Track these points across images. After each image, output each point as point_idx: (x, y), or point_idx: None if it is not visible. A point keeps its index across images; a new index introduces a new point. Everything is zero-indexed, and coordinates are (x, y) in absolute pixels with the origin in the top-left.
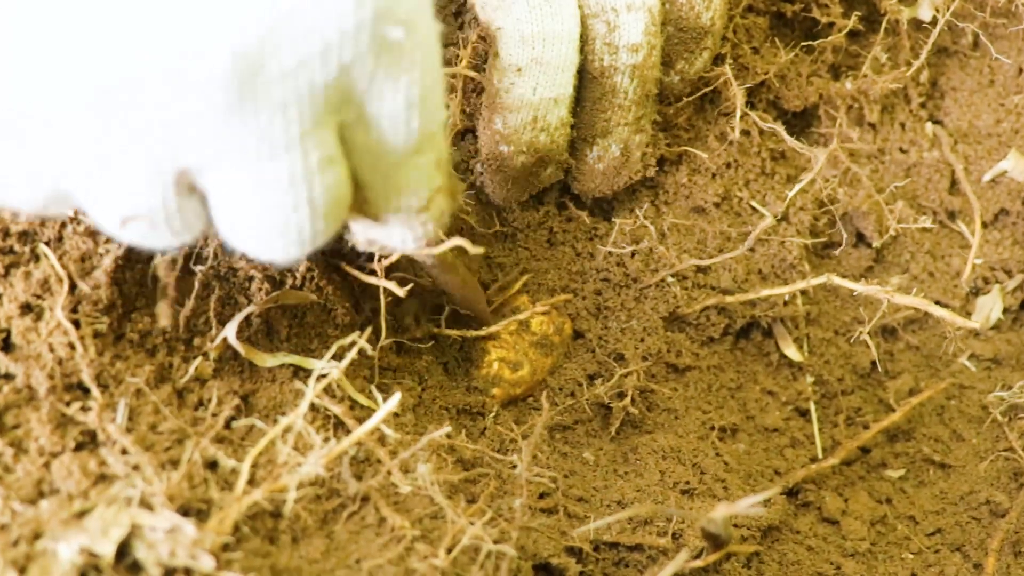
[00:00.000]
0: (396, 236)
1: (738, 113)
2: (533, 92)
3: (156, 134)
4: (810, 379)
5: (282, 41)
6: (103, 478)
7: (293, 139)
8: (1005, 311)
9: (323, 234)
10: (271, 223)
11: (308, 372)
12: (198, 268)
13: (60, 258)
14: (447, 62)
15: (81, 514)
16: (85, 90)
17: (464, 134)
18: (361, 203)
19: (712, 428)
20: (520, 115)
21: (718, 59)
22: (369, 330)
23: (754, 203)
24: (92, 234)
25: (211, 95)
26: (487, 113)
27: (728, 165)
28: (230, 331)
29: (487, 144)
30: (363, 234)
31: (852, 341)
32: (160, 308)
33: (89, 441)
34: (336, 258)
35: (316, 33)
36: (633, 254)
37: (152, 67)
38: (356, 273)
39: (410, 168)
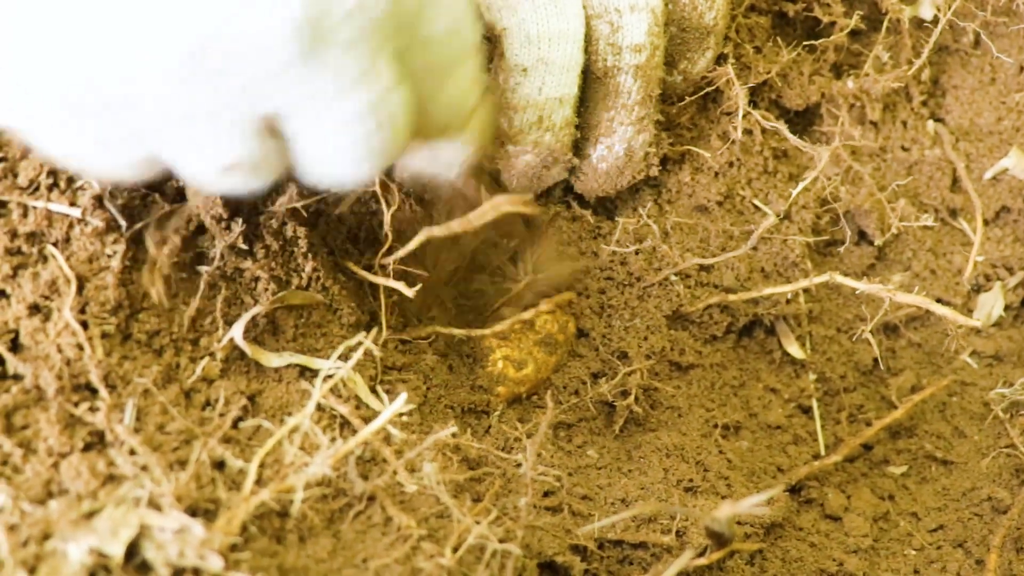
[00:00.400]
0: (443, 158)
1: (740, 112)
2: (539, 92)
3: (241, 88)
4: (812, 376)
5: None
6: (112, 478)
7: (364, 71)
8: (1006, 308)
9: (400, 149)
10: (358, 149)
11: (314, 372)
12: (204, 269)
13: (68, 259)
14: None
15: (90, 514)
16: (169, 54)
17: None
18: (415, 125)
19: (715, 426)
20: (525, 115)
21: (721, 59)
22: (375, 330)
23: (757, 202)
24: (99, 235)
25: (286, 45)
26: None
27: (731, 164)
28: (237, 331)
29: (492, 143)
30: (412, 164)
31: (854, 339)
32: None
33: (97, 441)
34: (342, 258)
35: None
36: (636, 253)
37: (229, 26)
38: (362, 273)
39: (454, 81)
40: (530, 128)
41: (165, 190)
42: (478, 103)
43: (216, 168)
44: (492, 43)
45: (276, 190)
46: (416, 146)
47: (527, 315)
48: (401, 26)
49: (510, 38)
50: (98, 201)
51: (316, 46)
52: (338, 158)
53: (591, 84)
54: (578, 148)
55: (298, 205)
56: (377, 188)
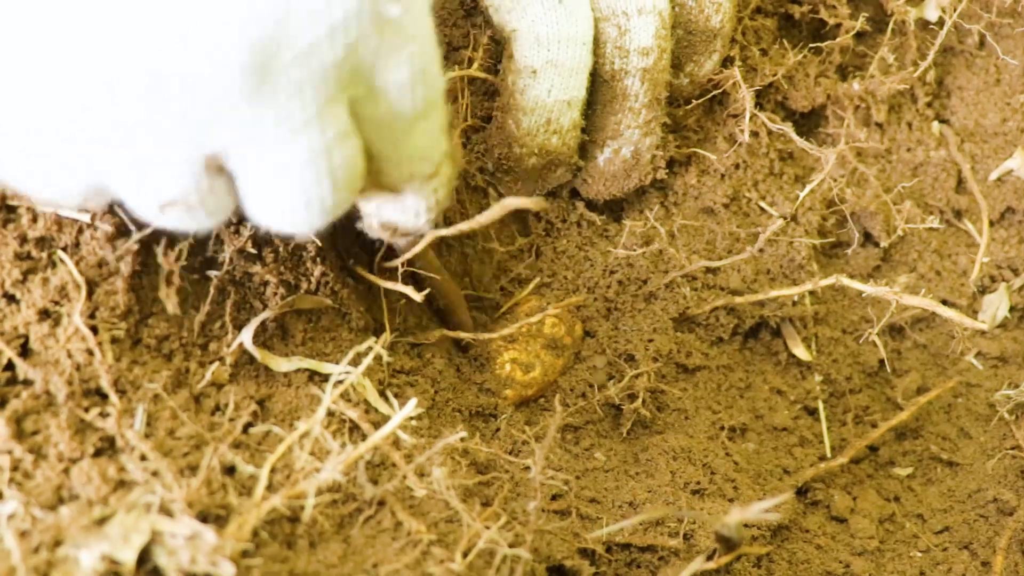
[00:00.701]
0: (410, 208)
1: (747, 114)
2: (548, 94)
3: (184, 124)
4: (818, 378)
5: (292, 28)
6: (122, 484)
7: (310, 117)
8: (1012, 309)
9: (344, 203)
10: (295, 197)
11: (324, 377)
12: (213, 273)
13: (77, 264)
14: (458, 64)
15: (101, 520)
16: (113, 88)
17: (469, 132)
18: (376, 175)
19: (722, 428)
20: (534, 117)
21: (727, 61)
22: (385, 335)
23: (763, 203)
24: (109, 240)
25: (232, 84)
26: (500, 115)
27: (737, 166)
28: (246, 336)
29: (499, 145)
30: (377, 216)
31: (860, 340)
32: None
33: (108, 447)
34: (351, 262)
35: (322, 17)
36: (644, 255)
37: (175, 62)
38: (371, 277)
39: (419, 133)
40: (538, 130)
41: None
42: (442, 160)
43: (155, 203)
44: (499, 45)
45: None
46: (381, 196)
47: (534, 318)
48: (356, 73)
49: (519, 40)
50: (108, 206)
51: (262, 87)
52: (278, 205)
53: (598, 87)
54: (584, 151)
55: None
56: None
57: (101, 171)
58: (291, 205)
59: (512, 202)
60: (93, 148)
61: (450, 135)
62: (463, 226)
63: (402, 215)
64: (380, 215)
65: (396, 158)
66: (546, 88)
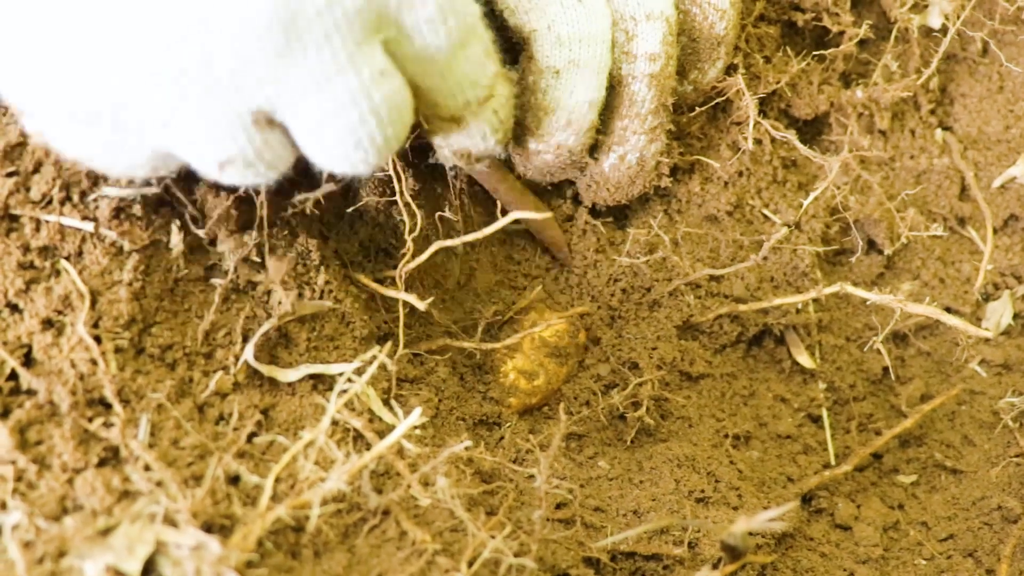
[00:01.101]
0: (476, 133)
1: (750, 122)
2: (570, 95)
3: (225, 84)
4: (822, 386)
5: None
6: (127, 494)
7: (343, 64)
8: (1015, 316)
9: (394, 139)
10: (344, 139)
11: (328, 386)
12: (217, 281)
13: (81, 273)
14: None
15: (106, 531)
16: (157, 62)
17: None
18: (432, 108)
19: (726, 436)
20: (555, 117)
21: (730, 68)
22: (389, 344)
23: (766, 211)
24: (112, 250)
25: (262, 43)
26: (519, 112)
27: (740, 174)
28: (248, 353)
29: (514, 143)
30: (448, 146)
31: (864, 348)
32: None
33: (112, 457)
34: (354, 270)
35: None
36: (647, 263)
37: (207, 28)
38: (373, 286)
39: (461, 62)
40: (557, 130)
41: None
42: (493, 82)
43: (214, 161)
44: (520, 46)
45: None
46: (446, 127)
47: (538, 327)
48: (383, 16)
49: (540, 40)
50: (112, 214)
51: (291, 42)
52: (331, 148)
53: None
54: (591, 156)
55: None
56: (399, 200)
57: (162, 136)
58: (343, 146)
59: (519, 214)
60: (146, 120)
61: (495, 57)
62: (470, 237)
63: (470, 140)
64: (451, 145)
65: (446, 89)
66: (568, 89)
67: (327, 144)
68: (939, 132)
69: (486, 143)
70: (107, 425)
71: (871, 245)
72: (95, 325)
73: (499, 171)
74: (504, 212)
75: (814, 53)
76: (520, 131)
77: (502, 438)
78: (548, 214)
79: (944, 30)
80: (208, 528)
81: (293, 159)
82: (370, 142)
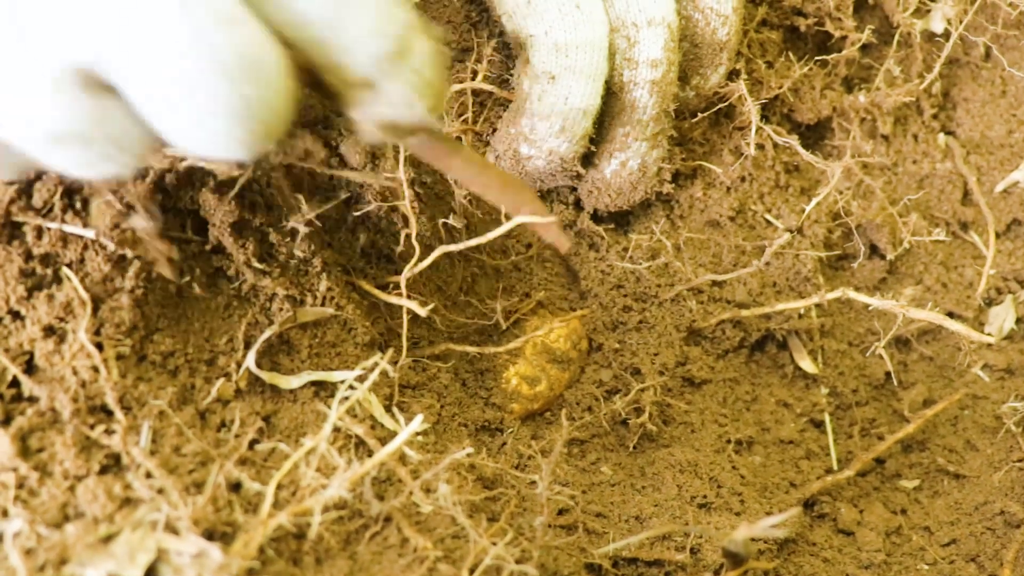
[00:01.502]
0: (396, 98)
1: (753, 127)
2: (565, 101)
3: (36, 33)
4: (825, 391)
5: None
6: (128, 502)
7: (172, 8)
8: (1018, 321)
9: (259, 104)
10: (184, 105)
11: (330, 392)
12: (218, 288)
13: (82, 280)
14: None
15: (107, 538)
16: None
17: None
18: (336, 73)
19: (728, 441)
20: (549, 123)
21: (732, 74)
22: (391, 351)
23: (769, 216)
24: (114, 258)
25: None
26: (513, 116)
27: (743, 179)
28: (251, 360)
29: (505, 141)
30: (367, 119)
31: (867, 353)
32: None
33: (114, 464)
34: (356, 277)
35: None
36: (650, 268)
37: None
38: (375, 292)
39: (353, 6)
40: (550, 135)
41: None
42: (406, 33)
43: (43, 136)
44: (510, 53)
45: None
46: (360, 95)
47: (540, 332)
48: None
49: (536, 46)
50: (113, 223)
51: None
52: (168, 118)
53: (606, 98)
54: (591, 162)
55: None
56: (406, 204)
57: None
58: (185, 115)
59: (522, 218)
60: None
61: (406, 4)
62: (471, 242)
63: (390, 107)
64: (370, 117)
65: (341, 43)
66: (563, 95)
67: (162, 113)
68: (942, 137)
69: (412, 110)
70: (109, 432)
71: (873, 250)
72: (97, 332)
73: (444, 143)
74: (494, 207)
75: (816, 58)
76: (517, 135)
77: (504, 444)
78: (553, 218)
79: (946, 35)
80: (210, 535)
81: (149, 138)
82: (222, 108)
